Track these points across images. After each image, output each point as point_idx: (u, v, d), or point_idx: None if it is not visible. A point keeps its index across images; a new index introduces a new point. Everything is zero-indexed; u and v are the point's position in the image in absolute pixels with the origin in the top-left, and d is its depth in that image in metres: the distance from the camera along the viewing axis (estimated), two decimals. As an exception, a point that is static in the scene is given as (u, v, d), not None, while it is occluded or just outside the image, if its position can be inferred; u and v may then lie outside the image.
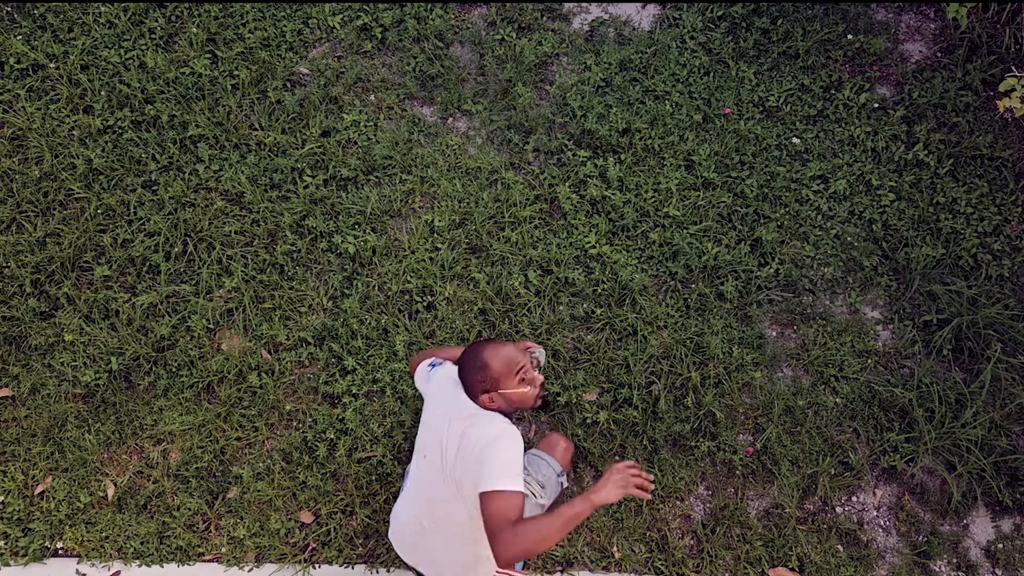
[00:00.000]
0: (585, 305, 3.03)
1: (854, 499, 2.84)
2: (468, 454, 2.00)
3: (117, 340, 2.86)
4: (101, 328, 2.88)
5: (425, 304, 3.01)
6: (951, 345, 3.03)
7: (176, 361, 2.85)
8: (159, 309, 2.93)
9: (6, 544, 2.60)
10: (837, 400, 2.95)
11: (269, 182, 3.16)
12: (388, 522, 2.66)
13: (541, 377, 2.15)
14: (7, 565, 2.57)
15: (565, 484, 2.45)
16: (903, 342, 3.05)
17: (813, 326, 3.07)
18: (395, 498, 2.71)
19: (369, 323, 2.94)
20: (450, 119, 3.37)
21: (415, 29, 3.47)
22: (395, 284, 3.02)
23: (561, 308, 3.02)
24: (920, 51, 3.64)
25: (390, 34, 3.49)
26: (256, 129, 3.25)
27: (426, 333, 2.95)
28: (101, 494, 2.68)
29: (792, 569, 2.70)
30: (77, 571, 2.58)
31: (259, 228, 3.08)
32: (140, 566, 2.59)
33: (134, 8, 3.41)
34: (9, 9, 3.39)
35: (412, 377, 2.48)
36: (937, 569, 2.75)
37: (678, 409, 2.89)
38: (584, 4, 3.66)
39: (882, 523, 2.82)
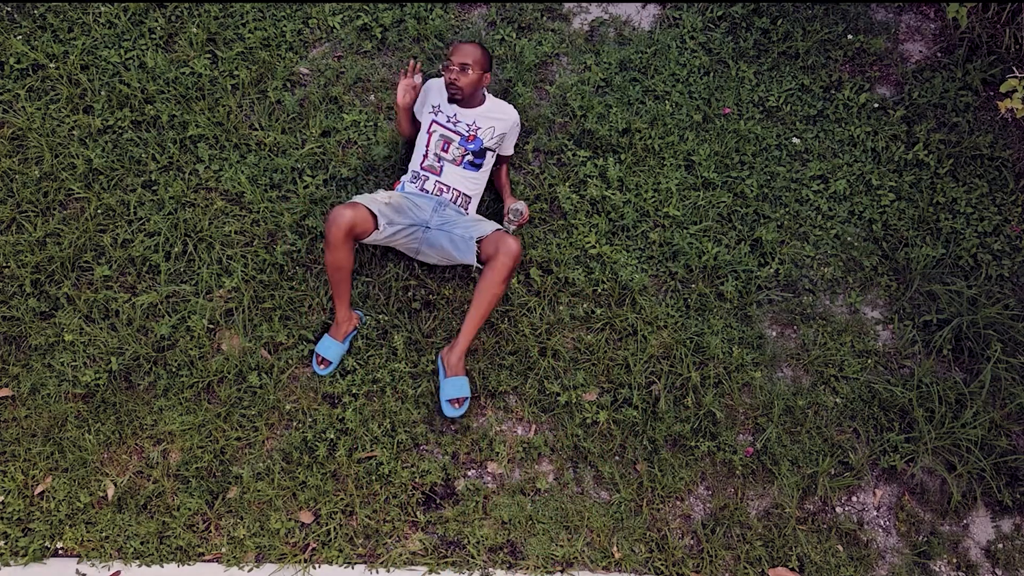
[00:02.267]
0: (585, 305, 3.03)
1: (854, 499, 2.84)
2: None
3: (117, 340, 2.86)
4: (101, 328, 2.88)
5: (425, 303, 3.01)
6: (951, 345, 3.03)
7: (176, 361, 2.85)
8: (159, 309, 2.93)
9: (6, 544, 2.60)
10: (837, 400, 2.95)
11: (269, 182, 3.16)
12: (388, 521, 2.67)
13: (454, 77, 2.85)
14: (7, 565, 2.57)
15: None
16: (903, 342, 3.05)
17: (813, 326, 3.07)
18: (395, 497, 2.71)
19: (369, 323, 2.94)
20: (450, 119, 3.37)
21: (415, 29, 3.47)
22: (395, 283, 3.02)
23: (561, 308, 3.02)
24: (920, 51, 3.64)
25: (390, 34, 3.49)
26: (256, 129, 3.25)
27: (426, 332, 2.95)
28: (101, 494, 2.68)
29: (792, 569, 2.70)
30: (77, 571, 2.58)
31: (259, 228, 3.08)
32: (140, 566, 2.59)
33: (134, 8, 3.41)
34: (9, 9, 3.39)
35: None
36: (937, 569, 2.75)
37: (678, 409, 2.89)
38: (584, 4, 3.66)
39: (882, 523, 2.82)
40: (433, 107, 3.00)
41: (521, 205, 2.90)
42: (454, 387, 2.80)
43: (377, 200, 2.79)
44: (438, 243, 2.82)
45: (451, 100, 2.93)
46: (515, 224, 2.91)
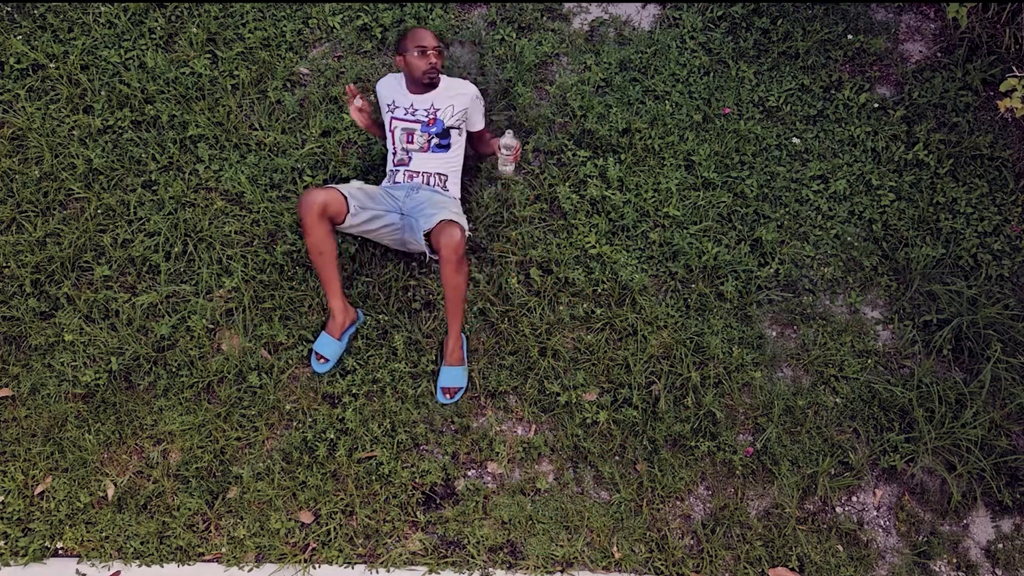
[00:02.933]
0: (585, 305, 3.03)
1: (854, 499, 2.84)
2: None
3: (117, 340, 2.86)
4: (101, 328, 2.88)
5: (425, 303, 3.01)
6: (951, 345, 3.03)
7: (176, 361, 2.85)
8: (159, 309, 2.93)
9: (6, 544, 2.60)
10: (837, 400, 2.95)
11: (269, 182, 3.16)
12: (388, 521, 2.67)
13: (435, 60, 2.88)
14: (7, 565, 2.57)
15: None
16: (903, 342, 3.05)
17: (813, 326, 3.06)
18: (395, 497, 2.71)
19: (369, 323, 2.94)
20: (450, 119, 3.37)
21: (415, 29, 3.47)
22: (395, 283, 3.02)
23: (561, 308, 3.02)
24: (920, 51, 3.64)
25: (390, 34, 3.49)
26: (256, 129, 3.25)
27: (426, 332, 2.95)
28: (101, 494, 2.68)
29: (792, 569, 2.70)
30: (77, 571, 2.58)
31: (259, 228, 3.08)
32: (140, 566, 2.59)
33: (134, 8, 3.41)
34: (9, 9, 3.39)
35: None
36: (937, 569, 2.75)
37: (678, 409, 2.89)
38: (584, 4, 3.66)
39: (882, 523, 2.82)
40: (388, 105, 3.01)
41: (509, 139, 2.84)
42: (447, 376, 2.84)
43: (350, 186, 2.83)
44: (412, 228, 2.84)
45: (430, 84, 2.94)
46: (511, 160, 2.87)
